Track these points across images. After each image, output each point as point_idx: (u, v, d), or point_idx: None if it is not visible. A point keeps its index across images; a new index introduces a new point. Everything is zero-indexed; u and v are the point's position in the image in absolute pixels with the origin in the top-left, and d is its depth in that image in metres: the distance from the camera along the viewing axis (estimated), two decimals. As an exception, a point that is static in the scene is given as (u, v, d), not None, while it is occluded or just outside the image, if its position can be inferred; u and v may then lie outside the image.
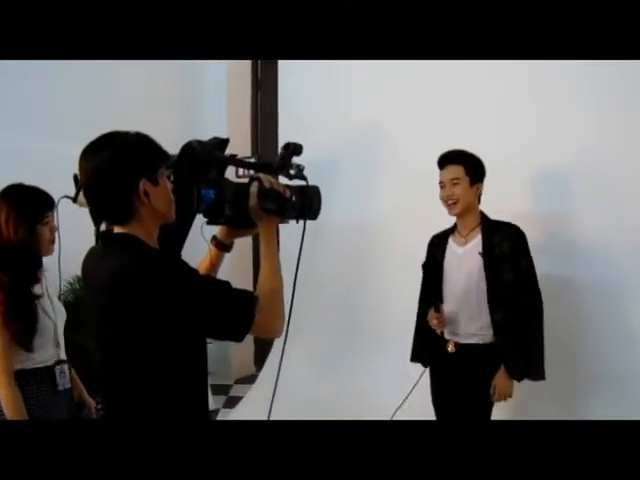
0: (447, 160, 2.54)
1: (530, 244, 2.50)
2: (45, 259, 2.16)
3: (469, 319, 2.50)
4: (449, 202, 2.51)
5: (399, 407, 2.68)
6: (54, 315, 2.11)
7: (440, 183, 2.55)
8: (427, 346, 2.67)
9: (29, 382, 2.00)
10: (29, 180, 2.13)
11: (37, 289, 2.06)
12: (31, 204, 2.05)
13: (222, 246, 1.65)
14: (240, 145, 4.34)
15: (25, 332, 1.98)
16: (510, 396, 2.45)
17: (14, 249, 1.99)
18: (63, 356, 2.14)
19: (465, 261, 2.51)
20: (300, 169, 1.58)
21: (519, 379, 2.46)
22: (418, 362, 2.73)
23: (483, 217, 2.55)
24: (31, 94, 3.60)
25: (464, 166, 2.49)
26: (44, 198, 2.10)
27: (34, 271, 2.08)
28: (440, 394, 2.63)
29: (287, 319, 1.47)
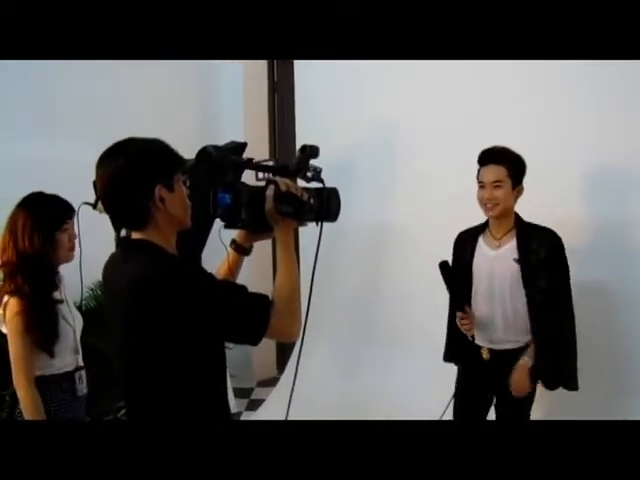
0: (490, 158, 2.39)
1: (573, 250, 2.41)
2: (66, 265, 2.18)
3: (504, 325, 2.42)
4: (488, 205, 2.38)
5: (442, 414, 2.61)
6: (72, 321, 2.14)
7: (479, 183, 2.41)
8: (459, 346, 2.59)
9: (50, 388, 2.03)
10: (51, 188, 2.16)
11: (56, 295, 2.10)
12: (49, 212, 2.08)
13: (241, 250, 1.65)
14: (257, 147, 4.34)
15: (47, 338, 2.01)
16: (528, 391, 2.37)
17: (29, 257, 2.02)
18: (81, 362, 2.18)
19: (498, 265, 2.41)
20: (317, 171, 1.58)
21: (552, 388, 2.39)
22: (451, 362, 2.65)
23: (518, 219, 2.43)
24: (48, 99, 3.63)
25: (507, 167, 2.35)
26: (63, 206, 2.13)
27: (51, 278, 2.10)
28: (468, 402, 2.56)
29: (304, 322, 1.46)
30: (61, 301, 2.11)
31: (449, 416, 2.58)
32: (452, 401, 2.60)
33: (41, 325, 1.99)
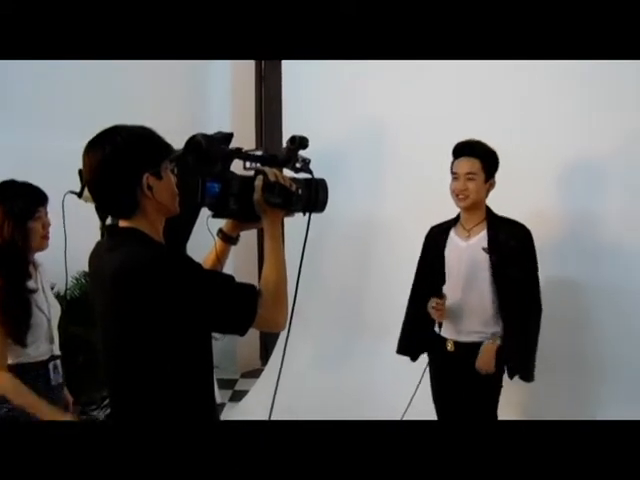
0: (464, 151, 2.44)
1: (549, 243, 2.46)
2: (50, 255, 2.16)
3: (470, 314, 2.46)
4: (460, 196, 2.43)
5: (405, 411, 2.66)
6: (48, 310, 2.11)
7: (453, 174, 2.46)
8: (416, 340, 2.63)
9: (23, 377, 2.00)
10: (34, 176, 2.13)
11: (30, 284, 2.07)
12: (20, 201, 2.04)
13: (228, 239, 1.65)
14: (244, 140, 4.33)
15: (18, 328, 1.98)
16: (492, 371, 2.39)
17: (0, 247, 1.99)
18: (57, 351, 2.15)
19: (468, 255, 2.46)
20: (306, 162, 1.58)
21: (510, 376, 2.43)
22: (405, 355, 2.68)
23: (488, 212, 2.49)
24: (34, 91, 3.60)
25: (481, 160, 2.40)
26: (35, 193, 2.09)
27: (23, 268, 2.07)
28: (441, 393, 2.60)
29: (290, 313, 1.47)
30: (35, 290, 2.07)
31: (417, 410, 2.60)
32: (409, 404, 2.65)
33: (11, 316, 1.96)
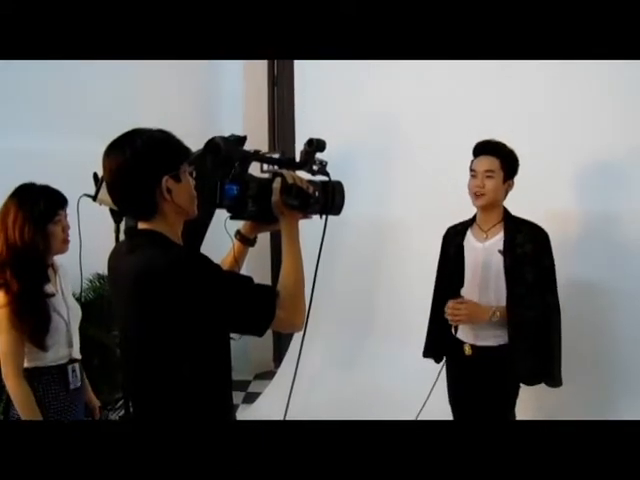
0: (484, 149, 2.43)
1: (565, 245, 2.42)
2: (65, 257, 2.16)
3: None
4: (477, 193, 2.40)
5: (420, 411, 2.64)
6: (67, 314, 2.11)
7: (471, 171, 2.44)
8: (440, 342, 2.61)
9: (41, 380, 2.01)
10: (48, 180, 2.12)
11: (48, 288, 2.06)
12: (40, 204, 2.02)
13: (246, 241, 1.66)
14: (257, 143, 4.33)
15: (37, 332, 1.98)
16: (462, 321, 2.38)
17: (19, 251, 1.98)
18: (76, 355, 2.15)
19: (484, 257, 2.43)
20: (323, 165, 1.58)
21: (528, 383, 2.39)
22: (430, 358, 2.67)
23: (506, 213, 2.46)
24: (49, 94, 3.61)
25: (501, 159, 2.38)
26: (54, 197, 2.08)
27: (41, 271, 2.06)
28: (458, 396, 2.58)
29: (306, 314, 1.47)
30: (52, 294, 2.06)
31: (431, 410, 2.58)
32: (424, 405, 2.62)
33: (30, 319, 1.96)
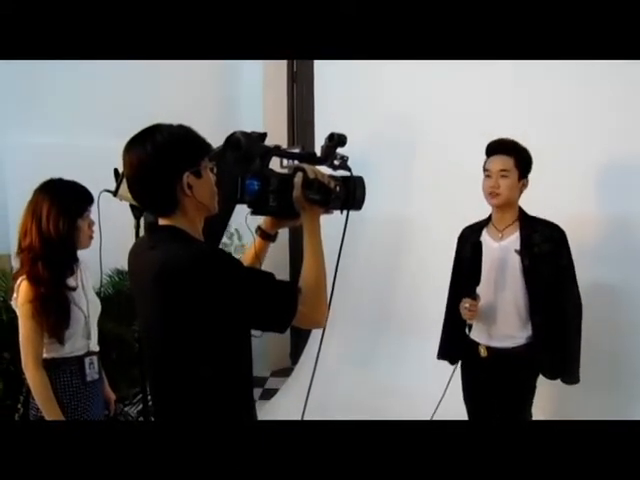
0: (498, 149, 2.41)
1: (585, 246, 2.40)
2: (86, 252, 2.18)
3: (502, 318, 2.40)
4: (492, 193, 2.39)
5: (434, 412, 2.61)
6: (86, 307, 2.13)
7: (485, 171, 2.42)
8: (455, 345, 2.58)
9: (58, 371, 2.04)
10: (70, 174, 2.15)
11: (70, 282, 2.09)
12: (72, 198, 2.07)
13: (267, 236, 1.65)
14: (276, 140, 4.33)
15: (57, 325, 2.01)
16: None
17: (53, 243, 2.01)
18: (94, 348, 2.17)
19: (500, 257, 2.40)
20: (344, 160, 1.57)
21: (552, 378, 2.39)
22: (445, 360, 2.64)
23: (521, 212, 2.44)
24: (71, 90, 3.64)
25: (514, 158, 2.36)
26: (84, 193, 2.12)
27: (71, 264, 2.11)
28: (473, 396, 2.56)
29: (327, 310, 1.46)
30: (74, 288, 2.10)
31: (446, 410, 2.55)
32: (438, 404, 2.58)
33: (52, 312, 1.99)
